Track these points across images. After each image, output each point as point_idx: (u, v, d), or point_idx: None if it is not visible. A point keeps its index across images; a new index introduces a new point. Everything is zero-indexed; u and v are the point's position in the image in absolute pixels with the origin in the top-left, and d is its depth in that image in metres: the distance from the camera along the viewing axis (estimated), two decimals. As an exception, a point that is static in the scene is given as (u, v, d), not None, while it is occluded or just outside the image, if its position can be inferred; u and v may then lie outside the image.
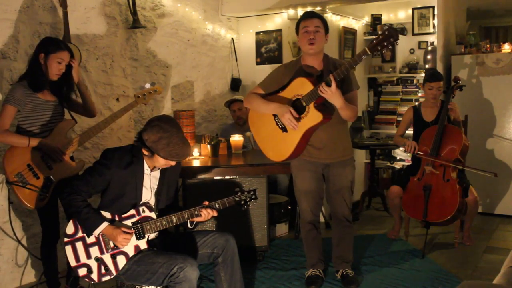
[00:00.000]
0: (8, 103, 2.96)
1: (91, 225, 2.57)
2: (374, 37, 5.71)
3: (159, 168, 2.75)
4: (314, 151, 3.25)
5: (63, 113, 3.24)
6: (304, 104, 3.05)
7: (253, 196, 2.76)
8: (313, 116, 3.04)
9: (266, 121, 3.26)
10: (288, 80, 3.18)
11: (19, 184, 2.91)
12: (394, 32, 2.77)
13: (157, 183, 2.76)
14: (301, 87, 3.06)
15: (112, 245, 2.62)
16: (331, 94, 2.90)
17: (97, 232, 2.58)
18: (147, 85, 3.39)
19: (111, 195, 2.65)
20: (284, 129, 3.19)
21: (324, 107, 3.06)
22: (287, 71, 3.24)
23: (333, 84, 2.88)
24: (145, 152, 2.62)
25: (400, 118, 5.45)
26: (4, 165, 2.96)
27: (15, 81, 3.40)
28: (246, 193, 2.75)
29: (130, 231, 2.60)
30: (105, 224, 2.58)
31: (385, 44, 2.80)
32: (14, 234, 3.33)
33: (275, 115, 3.21)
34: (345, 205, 3.37)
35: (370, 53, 2.84)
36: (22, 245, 3.49)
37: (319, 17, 3.18)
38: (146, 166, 2.69)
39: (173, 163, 2.65)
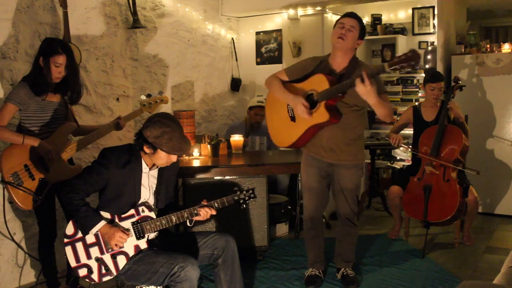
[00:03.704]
0: (10, 101, 2.96)
1: (88, 223, 2.56)
2: (375, 37, 5.80)
3: (157, 167, 2.75)
4: (319, 149, 3.26)
5: (66, 114, 3.22)
6: (316, 99, 3.06)
7: (252, 195, 2.77)
8: (320, 114, 3.05)
9: (280, 107, 3.31)
10: (311, 72, 3.19)
11: (14, 185, 2.90)
12: (417, 57, 2.75)
13: (155, 182, 2.76)
14: (318, 83, 3.07)
15: (110, 245, 2.61)
16: (366, 90, 2.85)
17: (94, 230, 2.57)
18: (155, 94, 3.39)
19: (109, 194, 2.65)
20: (293, 119, 3.22)
21: (334, 109, 3.07)
22: (314, 64, 3.24)
23: (367, 81, 2.83)
24: (147, 150, 2.61)
25: (400, 118, 5.46)
26: (1, 163, 2.95)
27: (16, 81, 3.41)
28: (245, 192, 2.77)
29: (127, 233, 2.61)
30: (102, 223, 2.57)
31: (405, 65, 2.78)
32: (10, 234, 3.30)
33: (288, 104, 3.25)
34: (347, 205, 3.36)
35: (388, 71, 2.85)
36: (19, 246, 3.48)
37: (358, 19, 3.16)
38: (144, 165, 2.69)
39: (174, 159, 2.65)
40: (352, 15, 3.17)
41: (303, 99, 3.07)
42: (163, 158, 2.62)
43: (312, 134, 3.21)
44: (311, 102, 3.10)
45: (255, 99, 4.98)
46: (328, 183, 3.39)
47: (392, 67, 2.81)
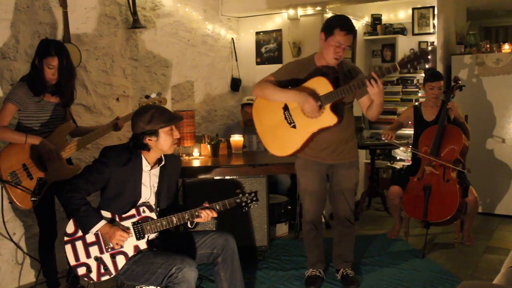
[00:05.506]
0: (10, 101, 2.97)
1: (88, 222, 2.56)
2: (375, 37, 5.80)
3: (159, 165, 2.74)
4: (319, 151, 3.23)
5: (64, 115, 3.23)
6: (319, 104, 2.99)
7: (254, 198, 2.74)
8: (327, 118, 3.01)
9: (274, 113, 3.18)
10: (303, 77, 3.11)
11: (12, 183, 2.90)
12: (425, 54, 2.80)
13: (157, 181, 2.75)
14: (319, 86, 3.01)
15: (111, 244, 2.61)
16: (378, 90, 2.89)
17: (94, 229, 2.56)
18: (153, 95, 3.40)
19: (110, 193, 2.65)
20: (293, 125, 3.12)
21: (339, 110, 3.05)
22: (300, 68, 3.17)
23: (379, 81, 2.86)
24: (150, 141, 2.60)
25: (400, 119, 5.45)
26: None
27: (16, 81, 3.41)
28: (247, 194, 2.73)
29: (127, 231, 2.60)
30: (103, 222, 2.57)
31: (415, 63, 2.84)
32: (8, 234, 3.29)
33: (285, 109, 3.13)
34: (347, 206, 3.36)
35: (399, 69, 2.87)
36: (18, 246, 3.47)
37: (354, 32, 3.12)
38: (145, 163, 2.69)
39: (177, 134, 2.66)
40: (350, 30, 3.04)
41: (310, 96, 2.97)
42: (168, 138, 2.63)
43: (312, 138, 3.16)
44: None
45: (246, 97, 5.01)
46: (326, 185, 3.39)
47: (403, 67, 2.85)
